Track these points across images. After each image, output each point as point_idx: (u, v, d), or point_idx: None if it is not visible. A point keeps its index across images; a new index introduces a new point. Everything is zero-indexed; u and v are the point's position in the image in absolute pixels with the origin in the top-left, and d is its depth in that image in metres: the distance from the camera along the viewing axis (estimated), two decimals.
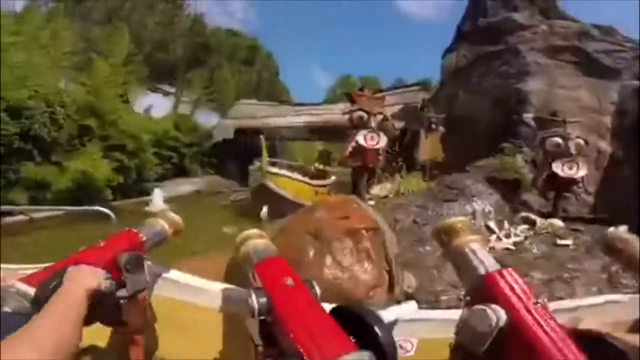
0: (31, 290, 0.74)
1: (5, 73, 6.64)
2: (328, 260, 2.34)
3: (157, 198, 8.55)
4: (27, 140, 6.91)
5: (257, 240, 0.91)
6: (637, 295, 1.10)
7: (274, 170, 7.75)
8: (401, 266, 2.87)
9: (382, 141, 5.57)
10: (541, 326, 0.67)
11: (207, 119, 15.97)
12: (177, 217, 1.16)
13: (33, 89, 6.97)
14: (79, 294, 0.70)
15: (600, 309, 1.14)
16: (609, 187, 6.29)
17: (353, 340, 0.65)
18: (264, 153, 7.48)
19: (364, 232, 2.65)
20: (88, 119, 8.17)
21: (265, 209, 7.33)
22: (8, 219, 5.85)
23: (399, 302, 2.41)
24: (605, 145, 6.67)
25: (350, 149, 5.63)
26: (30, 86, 6.96)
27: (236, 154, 13.10)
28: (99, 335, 0.93)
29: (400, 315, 1.14)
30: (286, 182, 7.76)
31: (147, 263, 0.96)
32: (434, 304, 2.73)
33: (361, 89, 6.49)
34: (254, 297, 0.73)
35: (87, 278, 0.75)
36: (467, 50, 8.51)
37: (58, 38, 9.08)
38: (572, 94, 6.99)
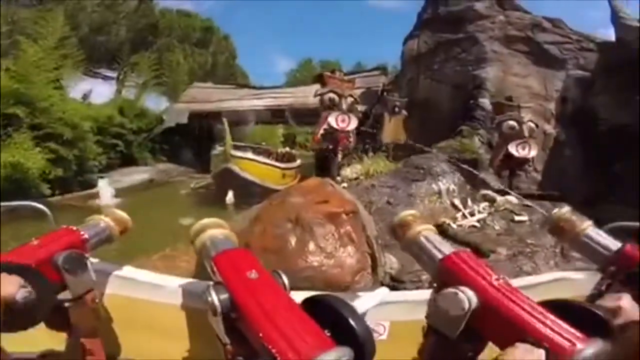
0: None
1: None
2: (311, 246, 2.21)
3: (105, 190, 7.77)
4: None
5: (214, 230, 0.83)
6: (587, 272, 1.10)
7: (239, 153, 7.39)
8: (381, 248, 2.83)
9: (353, 123, 5.59)
10: (510, 299, 0.68)
11: (155, 103, 14.79)
12: (124, 215, 1.06)
13: None
14: None
15: (551, 287, 1.14)
16: (553, 165, 6.91)
17: (328, 335, 0.59)
18: (227, 136, 7.06)
19: (344, 215, 2.55)
20: (13, 107, 7.28)
21: (230, 194, 6.97)
22: None
23: (383, 285, 2.36)
24: (550, 129, 7.27)
25: (322, 131, 5.54)
26: None
27: (192, 139, 12.37)
28: (60, 339, 0.88)
29: (374, 302, 1.11)
30: (251, 165, 7.51)
31: (91, 261, 0.91)
32: (418, 284, 2.74)
33: (332, 72, 6.39)
34: (213, 293, 0.66)
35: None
36: (428, 37, 8.72)
37: None
38: (523, 81, 7.49)
